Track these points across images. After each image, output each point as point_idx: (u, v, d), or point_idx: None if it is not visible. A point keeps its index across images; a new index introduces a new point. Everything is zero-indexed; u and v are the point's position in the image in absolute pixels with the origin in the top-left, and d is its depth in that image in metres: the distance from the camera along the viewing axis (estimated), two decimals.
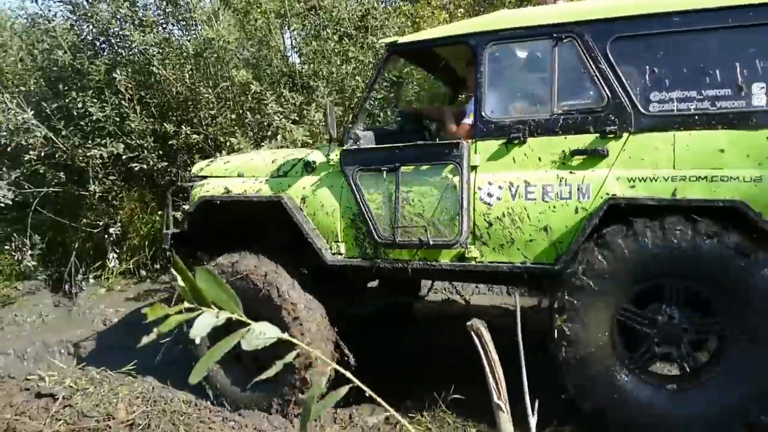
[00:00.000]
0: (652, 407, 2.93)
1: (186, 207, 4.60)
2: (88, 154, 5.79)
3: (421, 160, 3.34)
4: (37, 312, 5.93)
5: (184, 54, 5.90)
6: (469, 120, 3.52)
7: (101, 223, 6.36)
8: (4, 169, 6.07)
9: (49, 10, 6.17)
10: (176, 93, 5.96)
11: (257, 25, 6.27)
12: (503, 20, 3.30)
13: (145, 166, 6.02)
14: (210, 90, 5.84)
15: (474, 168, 3.26)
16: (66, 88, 5.78)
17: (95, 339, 5.38)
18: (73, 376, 3.73)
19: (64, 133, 5.80)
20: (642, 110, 2.96)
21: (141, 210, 6.55)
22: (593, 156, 3.02)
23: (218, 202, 3.81)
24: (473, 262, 3.29)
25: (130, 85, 5.59)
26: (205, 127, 5.99)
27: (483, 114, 3.25)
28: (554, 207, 3.08)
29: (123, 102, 5.66)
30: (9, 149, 5.89)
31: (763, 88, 2.77)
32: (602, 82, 3.02)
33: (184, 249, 4.10)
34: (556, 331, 3.03)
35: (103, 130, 5.79)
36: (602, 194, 2.98)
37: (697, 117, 2.85)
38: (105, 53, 6.17)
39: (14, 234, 6.22)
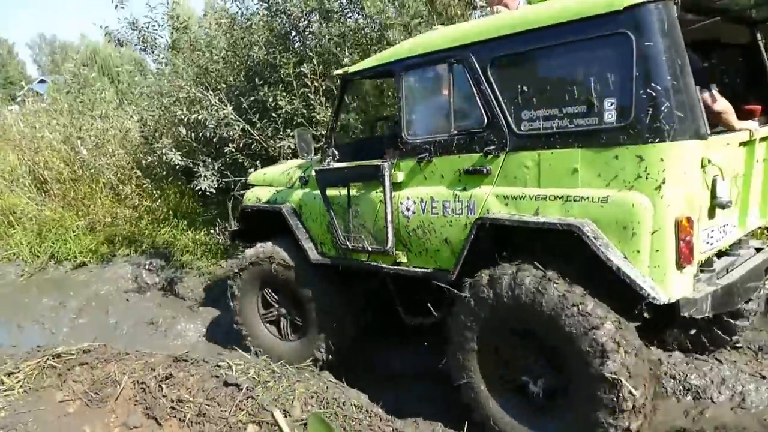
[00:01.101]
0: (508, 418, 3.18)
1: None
2: (278, 144, 6.08)
3: (361, 179, 3.79)
4: None
5: (368, 41, 5.88)
6: None
7: None
8: (210, 159, 6.65)
9: (247, 9, 6.57)
10: None
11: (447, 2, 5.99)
12: (411, 48, 3.50)
13: None
14: None
15: (397, 185, 3.59)
16: (261, 82, 6.09)
17: None
18: (257, 367, 3.88)
19: (258, 125, 6.15)
20: (515, 130, 3.02)
21: None
22: (479, 174, 3.18)
23: (249, 210, 4.66)
24: (403, 267, 3.67)
25: (315, 78, 5.69)
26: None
27: (402, 135, 3.53)
28: (451, 221, 3.33)
29: (309, 95, 5.80)
30: (213, 141, 6.44)
31: (613, 103, 2.67)
32: (483, 103, 3.13)
33: (246, 240, 4.89)
34: (448, 332, 3.36)
35: (293, 121, 6.03)
36: (483, 211, 3.15)
37: (558, 135, 2.86)
38: (296, 47, 6.39)
39: (218, 218, 6.82)
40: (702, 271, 2.97)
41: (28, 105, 11.20)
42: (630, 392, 2.61)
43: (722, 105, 3.05)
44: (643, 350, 2.79)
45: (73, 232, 8.10)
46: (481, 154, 3.16)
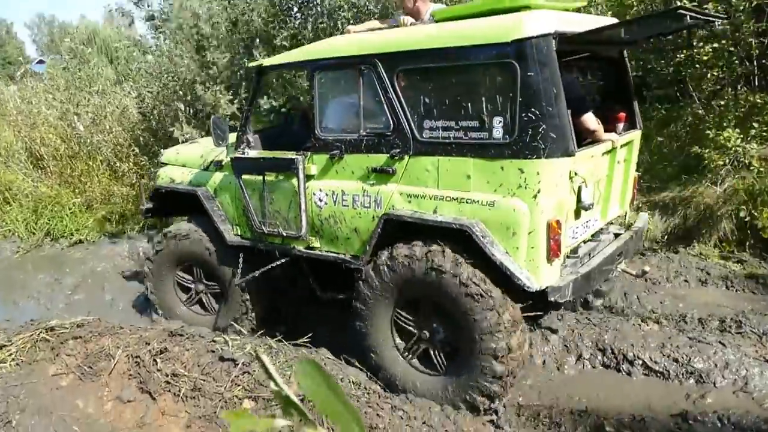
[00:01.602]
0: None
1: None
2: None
3: (276, 170, 4.00)
4: None
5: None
6: None
7: None
8: (205, 133, 6.53)
9: None
10: None
11: None
12: (324, 50, 3.74)
13: None
14: None
15: (310, 177, 3.85)
16: (257, 52, 5.96)
17: None
18: (253, 343, 3.81)
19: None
20: (418, 136, 3.36)
21: None
22: (385, 173, 3.50)
23: (163, 190, 4.82)
24: (316, 251, 3.98)
25: None
26: None
27: (315, 132, 3.78)
28: (360, 213, 3.65)
29: None
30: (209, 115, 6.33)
31: (501, 122, 3.07)
32: (390, 110, 3.42)
33: (157, 216, 5.32)
34: (352, 310, 3.75)
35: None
36: (389, 206, 3.51)
37: (454, 145, 3.22)
38: (296, 24, 6.28)
39: None
40: (568, 257, 3.52)
41: (26, 84, 11.05)
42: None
43: (594, 125, 3.58)
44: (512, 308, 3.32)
45: (70, 209, 8.00)
46: (387, 155, 3.49)
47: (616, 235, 4.11)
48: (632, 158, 4.06)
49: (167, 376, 3.59)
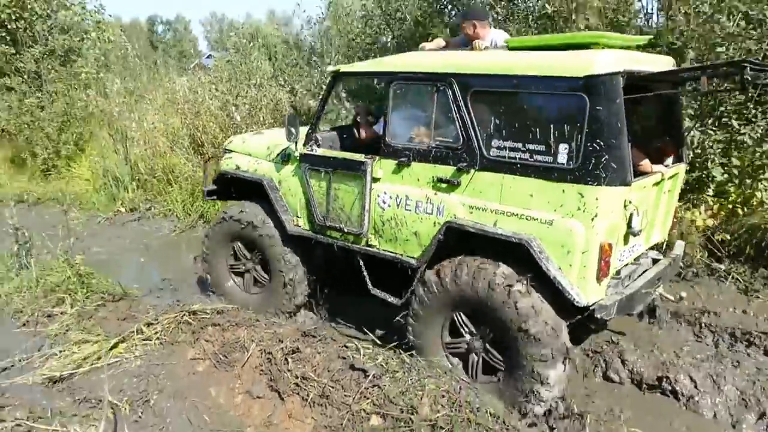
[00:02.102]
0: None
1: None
2: None
3: (345, 169, 4.21)
4: None
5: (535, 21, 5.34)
6: (372, 130, 4.84)
7: None
8: None
9: None
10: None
11: None
12: (404, 64, 3.99)
13: None
14: None
15: (377, 179, 4.06)
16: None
17: None
18: (386, 354, 3.60)
19: None
20: (485, 153, 3.55)
21: None
22: (450, 184, 3.70)
23: (229, 176, 5.07)
24: (374, 248, 4.19)
25: None
26: None
27: (386, 138, 4.00)
28: (421, 218, 3.85)
29: None
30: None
31: (566, 148, 3.27)
32: (461, 126, 3.62)
33: (219, 199, 5.48)
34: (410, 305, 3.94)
35: None
36: (451, 215, 3.68)
37: (519, 165, 3.44)
38: (450, 19, 5.99)
39: None
40: (612, 278, 3.60)
41: (195, 75, 11.91)
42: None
43: (641, 159, 3.78)
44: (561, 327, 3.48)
45: None
46: (454, 167, 3.68)
47: (654, 261, 4.27)
48: (676, 189, 4.24)
49: (297, 378, 3.49)
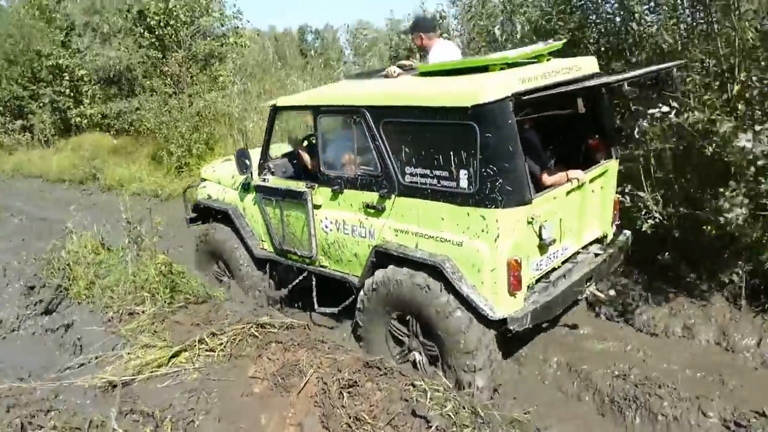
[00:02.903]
0: None
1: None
2: None
3: (291, 197, 4.55)
4: None
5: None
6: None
7: None
8: None
9: None
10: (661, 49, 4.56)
11: None
12: (325, 97, 4.37)
13: None
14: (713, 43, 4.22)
15: (318, 206, 4.37)
16: None
17: None
18: (457, 402, 3.00)
19: None
20: (401, 180, 3.78)
21: None
22: (376, 209, 3.97)
23: (202, 205, 5.53)
24: (326, 269, 4.54)
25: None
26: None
27: (320, 167, 4.32)
28: (358, 242, 4.15)
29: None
30: None
31: (466, 174, 3.43)
32: (378, 155, 3.86)
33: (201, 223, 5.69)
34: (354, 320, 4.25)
35: None
36: (380, 238, 3.97)
37: (430, 190, 3.64)
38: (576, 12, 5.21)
39: None
40: (540, 281, 3.84)
41: (314, 77, 11.99)
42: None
43: (554, 178, 3.90)
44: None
45: None
46: (377, 194, 3.91)
47: (597, 255, 4.27)
48: (609, 185, 4.24)
49: (350, 417, 3.01)
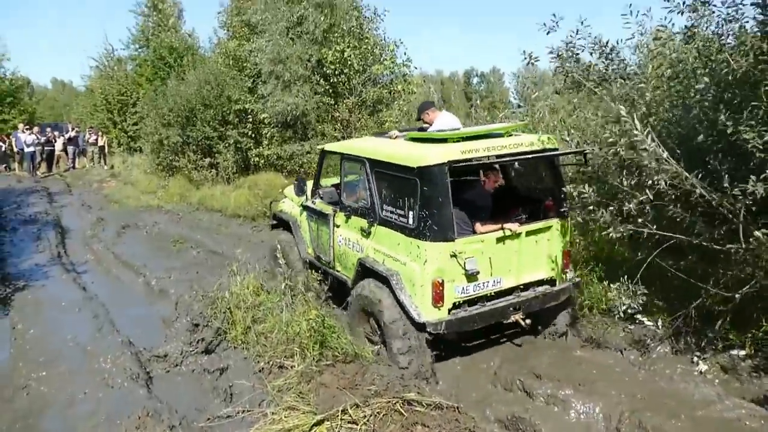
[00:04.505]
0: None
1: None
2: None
3: (322, 217, 6.38)
4: None
5: None
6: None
7: None
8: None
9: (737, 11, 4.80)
10: None
11: None
12: (347, 147, 6.19)
13: None
14: None
15: (337, 225, 6.07)
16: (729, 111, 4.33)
17: None
18: None
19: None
20: (380, 213, 5.35)
21: None
22: (366, 232, 5.55)
23: (277, 215, 7.73)
24: (339, 273, 6.19)
25: None
26: None
27: (341, 199, 6.12)
28: (355, 254, 5.71)
29: None
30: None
31: (412, 214, 4.91)
32: (369, 193, 5.47)
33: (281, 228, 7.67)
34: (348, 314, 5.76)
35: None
36: (365, 254, 5.52)
37: (394, 223, 5.16)
38: None
39: None
40: (474, 303, 5.12)
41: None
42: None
43: (486, 228, 5.12)
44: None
45: None
46: (367, 222, 5.53)
47: (545, 293, 5.43)
48: (556, 239, 5.40)
49: None
